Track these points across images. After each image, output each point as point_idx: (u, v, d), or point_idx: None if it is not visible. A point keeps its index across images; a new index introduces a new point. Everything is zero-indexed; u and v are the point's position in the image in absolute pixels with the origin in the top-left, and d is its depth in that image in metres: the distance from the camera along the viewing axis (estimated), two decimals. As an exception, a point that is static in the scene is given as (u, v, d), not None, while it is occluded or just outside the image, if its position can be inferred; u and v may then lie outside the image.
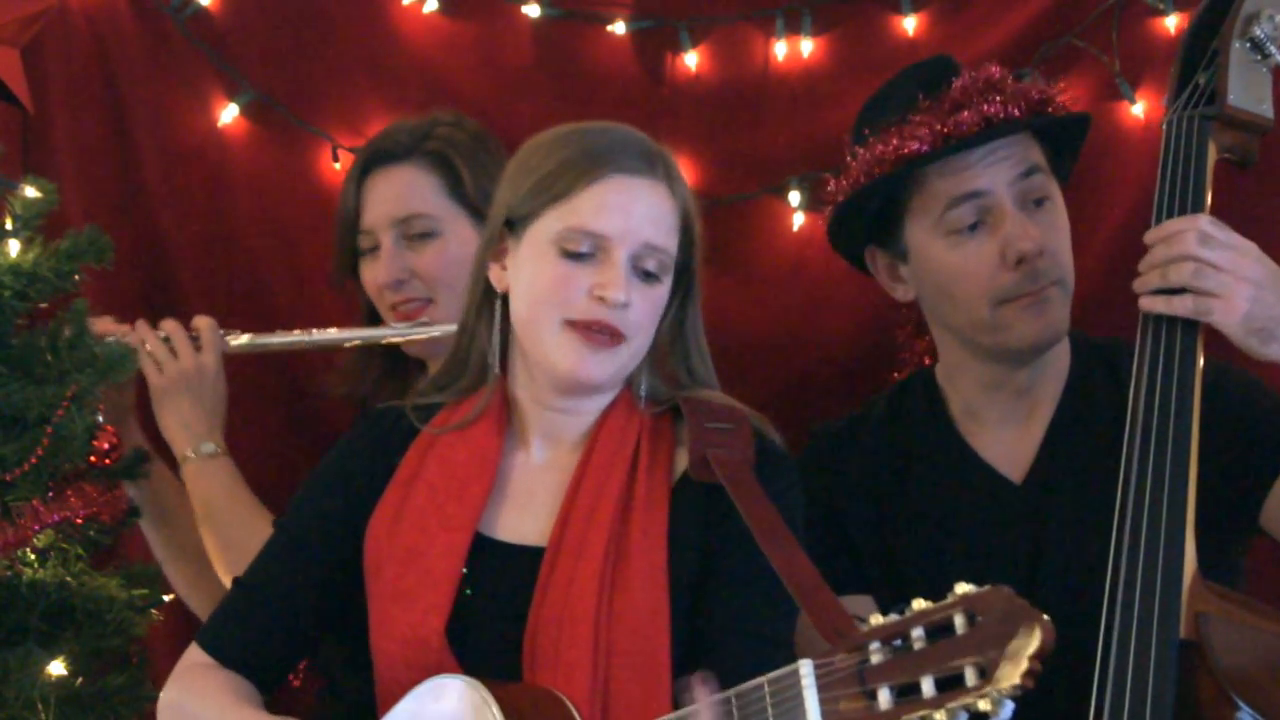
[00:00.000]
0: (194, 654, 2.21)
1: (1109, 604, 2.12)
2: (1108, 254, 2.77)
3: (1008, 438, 2.50)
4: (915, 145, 2.42)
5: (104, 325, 2.72)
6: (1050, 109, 2.46)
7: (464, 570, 2.09)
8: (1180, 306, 2.18)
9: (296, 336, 2.79)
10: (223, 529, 2.69)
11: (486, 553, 2.12)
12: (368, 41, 3.15)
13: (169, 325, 2.74)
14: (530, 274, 2.12)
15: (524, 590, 2.08)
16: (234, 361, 2.79)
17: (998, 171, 2.41)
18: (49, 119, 3.09)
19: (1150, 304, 2.22)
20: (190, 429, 2.72)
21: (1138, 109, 2.94)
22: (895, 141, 2.44)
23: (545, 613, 2.05)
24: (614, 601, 2.04)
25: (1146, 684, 2.05)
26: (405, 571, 2.11)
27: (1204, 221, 2.20)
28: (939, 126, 2.42)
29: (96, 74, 3.13)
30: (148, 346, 2.71)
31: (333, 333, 2.77)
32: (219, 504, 2.70)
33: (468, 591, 2.09)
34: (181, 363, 2.72)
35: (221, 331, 2.76)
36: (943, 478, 2.51)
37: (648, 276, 2.11)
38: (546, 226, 2.11)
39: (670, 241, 2.12)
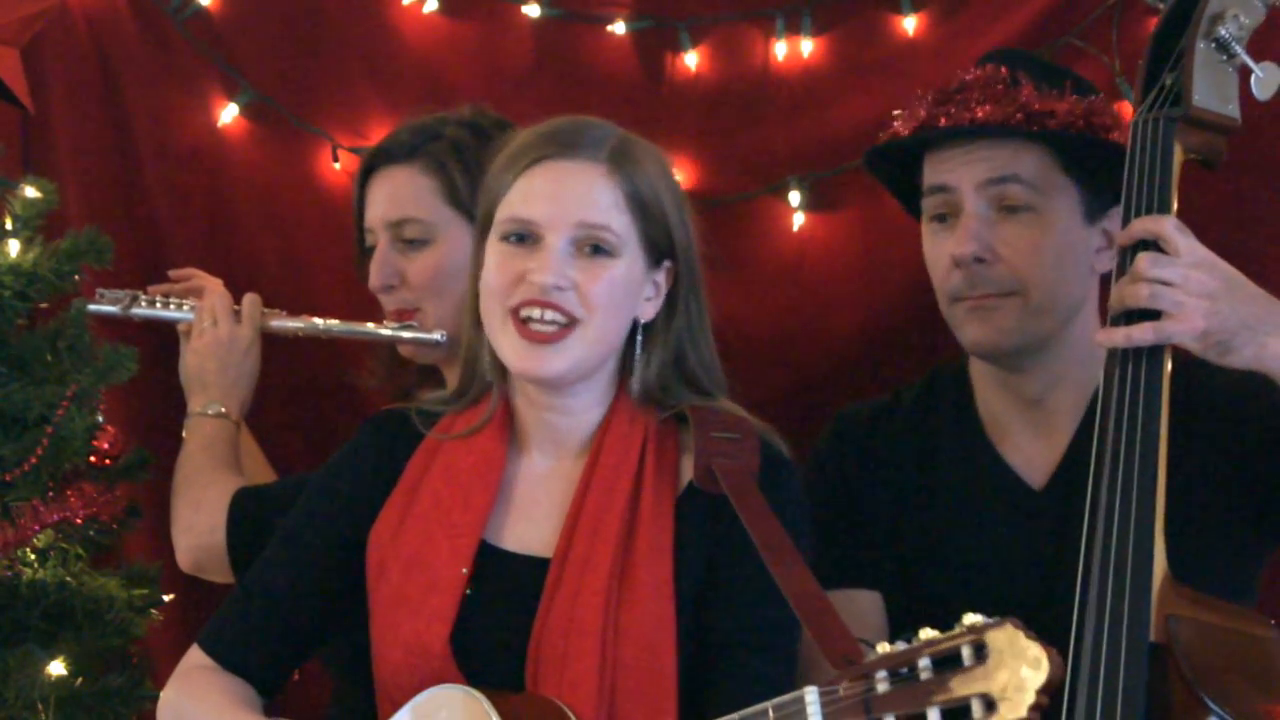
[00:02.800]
0: (194, 656, 2.20)
1: (1080, 609, 2.11)
2: (1108, 254, 2.76)
3: (1032, 443, 2.49)
4: (901, 128, 2.46)
5: (157, 289, 2.84)
6: (1050, 122, 2.41)
7: (466, 574, 2.08)
8: (1140, 336, 2.16)
9: (298, 322, 2.81)
10: (183, 476, 2.71)
11: (491, 561, 2.11)
12: (368, 41, 3.15)
13: (218, 294, 2.80)
14: (484, 270, 2.12)
15: (528, 600, 2.07)
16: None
17: (969, 171, 2.41)
18: (49, 119, 3.09)
19: (1108, 337, 2.19)
20: (206, 391, 2.76)
21: (1138, 109, 2.93)
22: (902, 119, 2.47)
23: (551, 624, 2.04)
24: (620, 614, 2.03)
25: (1117, 688, 2.05)
26: (409, 578, 2.10)
27: (1169, 225, 2.18)
28: (926, 116, 2.43)
29: (96, 74, 3.14)
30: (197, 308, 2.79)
31: (334, 324, 2.80)
32: (193, 452, 2.72)
33: (467, 592, 2.08)
34: (219, 330, 2.76)
35: (265, 310, 2.81)
36: (964, 476, 2.50)
37: (596, 252, 2.08)
38: (496, 226, 2.11)
39: (611, 218, 2.08)
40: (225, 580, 2.65)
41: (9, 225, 2.50)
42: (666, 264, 2.15)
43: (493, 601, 2.09)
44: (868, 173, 2.62)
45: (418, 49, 3.15)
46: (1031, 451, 2.48)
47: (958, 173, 2.42)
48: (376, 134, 2.97)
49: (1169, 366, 2.19)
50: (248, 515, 2.60)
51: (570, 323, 2.07)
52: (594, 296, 2.07)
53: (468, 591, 2.08)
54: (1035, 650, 1.60)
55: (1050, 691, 1.58)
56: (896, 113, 2.51)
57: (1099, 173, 2.44)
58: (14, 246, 2.48)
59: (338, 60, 3.15)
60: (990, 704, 1.60)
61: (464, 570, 2.09)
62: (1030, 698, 1.58)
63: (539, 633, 2.04)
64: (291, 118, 3.14)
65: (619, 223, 2.09)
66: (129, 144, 3.15)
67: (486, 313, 2.12)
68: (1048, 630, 1.66)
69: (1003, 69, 2.45)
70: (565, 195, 2.07)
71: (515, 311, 2.07)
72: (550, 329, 2.07)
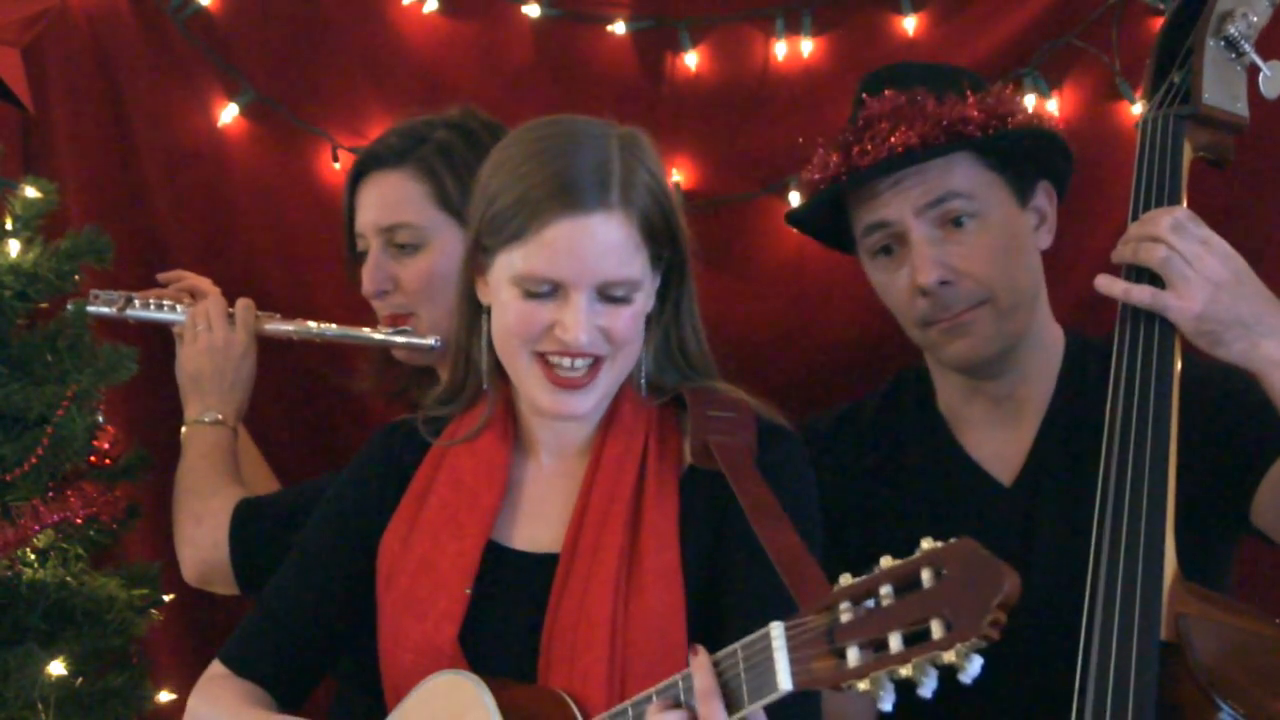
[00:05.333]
0: (215, 668, 2.22)
1: (1089, 607, 2.11)
2: (1107, 254, 2.76)
3: (997, 439, 2.50)
4: (821, 174, 2.44)
5: (148, 294, 2.84)
6: (970, 128, 2.38)
7: (468, 575, 2.09)
8: (1138, 296, 2.17)
9: (292, 326, 2.81)
10: (184, 488, 2.71)
11: (500, 561, 2.12)
12: (368, 41, 3.15)
13: (212, 299, 2.80)
14: (499, 306, 2.11)
15: (538, 597, 2.08)
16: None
17: (904, 200, 2.39)
18: (49, 119, 3.09)
19: (1109, 286, 2.20)
20: (203, 397, 2.76)
21: (1138, 109, 2.93)
22: (816, 170, 2.46)
23: (561, 619, 2.05)
24: (629, 604, 2.04)
25: (1128, 687, 2.05)
26: (418, 581, 2.11)
27: (1181, 212, 2.19)
28: (843, 157, 2.41)
29: (96, 74, 3.14)
30: (191, 314, 2.79)
31: (329, 328, 2.80)
32: (193, 463, 2.72)
33: (467, 591, 2.08)
34: (213, 335, 2.76)
35: (259, 314, 2.80)
36: (932, 476, 2.51)
37: (616, 300, 2.07)
38: (507, 263, 2.08)
39: (631, 269, 2.07)
40: (231, 592, 2.64)
41: (9, 225, 2.50)
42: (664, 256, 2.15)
43: (503, 600, 2.10)
44: (792, 227, 2.60)
45: (418, 49, 3.15)
46: (998, 447, 2.49)
47: (893, 205, 2.40)
48: (376, 134, 2.96)
49: (1179, 366, 2.19)
50: (250, 528, 2.59)
51: (597, 361, 2.08)
52: (620, 335, 2.08)
53: (467, 590, 2.08)
54: (991, 567, 1.60)
55: (1007, 607, 1.58)
56: (811, 165, 2.49)
57: (1018, 157, 2.44)
58: (14, 246, 2.48)
59: (338, 60, 3.15)
60: (950, 624, 1.60)
61: (466, 572, 2.09)
62: (989, 615, 1.58)
63: (550, 627, 2.05)
64: (291, 118, 3.14)
65: (638, 264, 2.08)
66: (129, 144, 3.15)
67: (507, 348, 2.11)
68: (1020, 622, 1.65)
69: (900, 95, 2.41)
70: (588, 254, 2.04)
71: (541, 356, 2.07)
72: (580, 375, 2.07)
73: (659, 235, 2.11)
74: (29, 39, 2.87)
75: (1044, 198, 2.49)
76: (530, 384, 2.09)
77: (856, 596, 1.68)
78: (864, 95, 2.47)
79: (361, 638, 2.20)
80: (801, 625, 1.73)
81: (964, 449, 2.51)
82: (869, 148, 2.38)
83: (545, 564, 2.10)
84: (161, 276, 2.93)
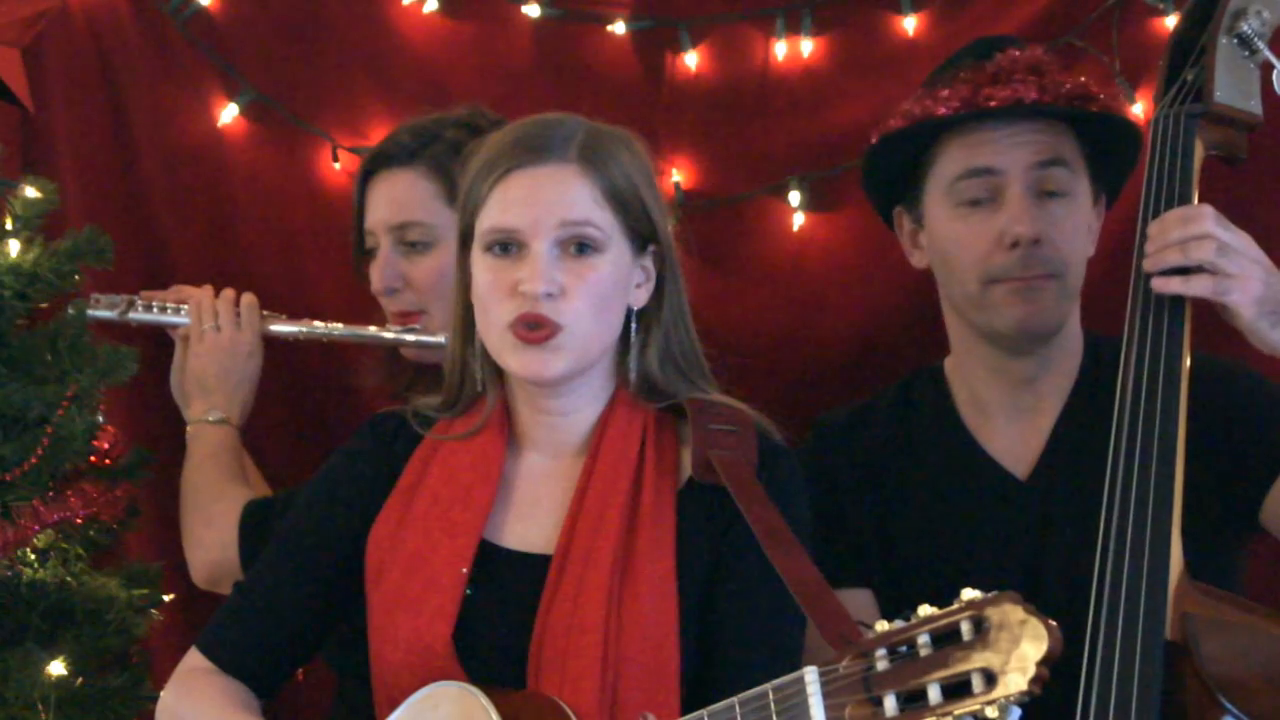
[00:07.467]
0: (193, 658, 2.20)
1: (1095, 605, 2.12)
2: (1109, 251, 2.76)
3: (1014, 433, 2.50)
4: (941, 110, 2.44)
5: (152, 294, 2.83)
6: (1091, 106, 2.45)
7: (466, 573, 2.08)
8: (1199, 286, 2.18)
9: (299, 326, 2.81)
10: (191, 490, 2.71)
11: (492, 560, 2.11)
12: (368, 41, 3.15)
13: (220, 298, 2.80)
14: (476, 281, 2.12)
15: (530, 598, 2.07)
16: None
17: (1016, 153, 2.42)
18: (49, 119, 3.09)
19: (1165, 285, 2.21)
20: (208, 397, 2.76)
21: (1138, 109, 2.94)
22: (928, 102, 2.46)
23: (552, 622, 2.04)
24: (622, 611, 2.03)
25: (1132, 686, 2.05)
26: (409, 578, 2.10)
27: (1210, 208, 2.20)
28: (969, 95, 2.43)
29: (96, 74, 3.13)
30: (197, 312, 2.78)
31: (336, 327, 2.79)
32: (200, 463, 2.72)
33: (468, 592, 2.08)
34: (221, 334, 2.76)
35: (264, 313, 2.80)
36: (947, 471, 2.51)
37: (582, 250, 2.08)
38: (478, 238, 2.11)
39: (593, 213, 2.08)
40: None
41: (9, 225, 2.50)
42: (652, 248, 2.15)
43: (494, 600, 2.09)
44: (865, 163, 2.59)
45: (418, 49, 3.15)
46: (1014, 441, 2.50)
47: (1006, 154, 2.42)
48: (376, 134, 2.97)
49: (1188, 363, 2.20)
50: (259, 528, 2.59)
51: (560, 327, 2.07)
52: (581, 297, 2.07)
53: (467, 591, 2.08)
54: (1034, 623, 1.60)
55: (1050, 664, 1.58)
56: (908, 103, 2.50)
57: (1107, 154, 2.48)
58: (14, 246, 2.48)
59: (338, 60, 3.15)
60: (991, 678, 1.60)
61: (463, 570, 2.08)
62: (1031, 670, 1.58)
63: (540, 631, 2.04)
64: (291, 118, 3.14)
65: (600, 217, 2.09)
66: (129, 144, 3.14)
67: (483, 326, 2.11)
68: None
69: (1031, 53, 2.47)
70: (542, 199, 2.07)
71: (512, 326, 2.07)
72: (539, 332, 2.06)
73: (634, 211, 2.11)
74: (29, 39, 2.87)
75: (1099, 210, 2.53)
76: (505, 351, 2.09)
77: (893, 644, 1.67)
78: (977, 53, 2.50)
79: (346, 630, 2.19)
80: (836, 671, 1.72)
81: (979, 443, 2.52)
82: (999, 92, 2.41)
83: (537, 565, 2.09)
84: (160, 293, 2.91)
